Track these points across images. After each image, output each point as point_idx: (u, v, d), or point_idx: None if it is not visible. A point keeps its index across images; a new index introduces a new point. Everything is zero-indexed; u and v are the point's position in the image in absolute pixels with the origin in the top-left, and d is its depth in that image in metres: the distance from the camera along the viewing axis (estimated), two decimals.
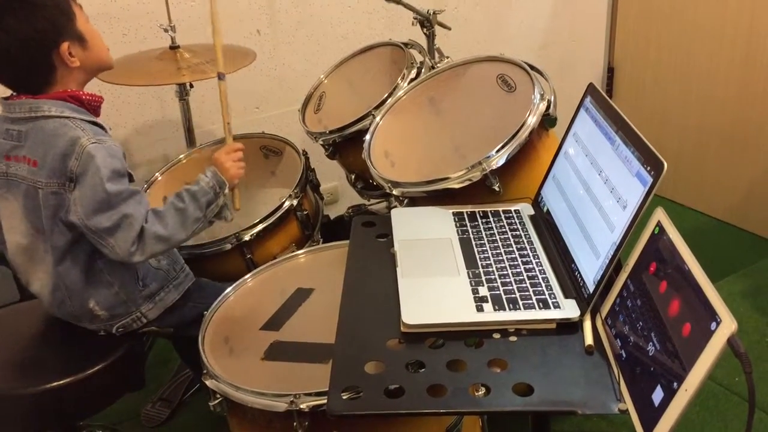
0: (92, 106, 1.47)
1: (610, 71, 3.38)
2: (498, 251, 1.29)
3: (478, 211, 1.42)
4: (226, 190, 1.51)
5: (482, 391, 0.98)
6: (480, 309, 1.12)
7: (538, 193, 1.42)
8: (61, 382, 1.44)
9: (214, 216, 1.50)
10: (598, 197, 1.17)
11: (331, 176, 2.73)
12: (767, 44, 2.64)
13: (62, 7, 1.38)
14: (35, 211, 1.44)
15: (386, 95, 1.80)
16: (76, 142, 1.37)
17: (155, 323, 1.59)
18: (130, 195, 1.40)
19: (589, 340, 1.06)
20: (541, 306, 1.12)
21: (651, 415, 0.86)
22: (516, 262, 1.25)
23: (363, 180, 1.99)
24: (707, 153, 3.00)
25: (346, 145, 1.89)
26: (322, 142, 1.93)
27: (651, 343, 0.92)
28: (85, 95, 1.45)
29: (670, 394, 0.84)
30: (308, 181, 1.89)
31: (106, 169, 1.37)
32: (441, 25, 2.14)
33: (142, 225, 1.39)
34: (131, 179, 1.47)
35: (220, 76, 1.64)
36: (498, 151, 1.43)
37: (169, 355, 2.26)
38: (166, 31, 2.04)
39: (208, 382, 1.27)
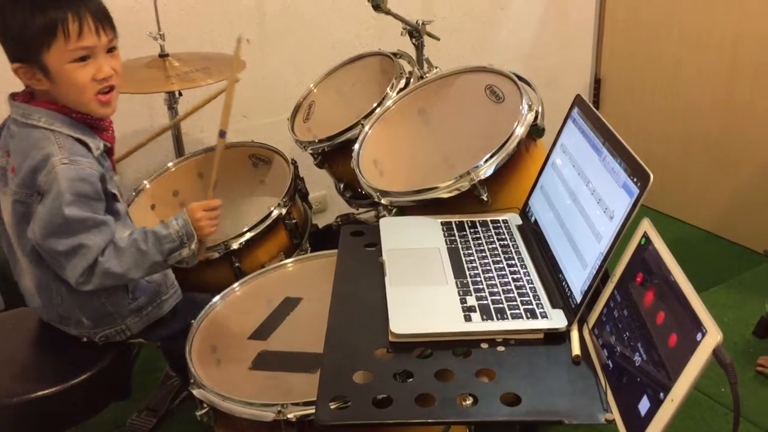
0: (87, 122, 1.43)
1: (597, 82, 3.41)
2: (486, 261, 1.29)
3: (467, 221, 1.43)
4: (193, 245, 1.45)
5: (470, 400, 0.99)
6: (468, 319, 1.13)
7: (526, 204, 1.43)
8: (47, 391, 1.42)
9: (175, 262, 1.46)
10: (585, 208, 1.18)
11: (320, 185, 2.73)
12: (753, 55, 2.67)
13: (27, 33, 1.31)
14: None
15: (375, 105, 1.81)
16: (48, 159, 1.34)
17: (141, 336, 1.58)
18: (94, 224, 1.36)
19: (576, 350, 1.06)
20: (529, 316, 1.13)
21: (637, 425, 0.87)
22: (504, 272, 1.25)
23: (352, 189, 1.99)
24: (693, 164, 3.02)
25: (335, 154, 1.89)
26: (311, 151, 1.93)
27: (638, 354, 0.93)
28: (76, 114, 1.40)
29: (656, 405, 0.84)
30: (297, 190, 1.89)
31: (70, 193, 1.33)
32: (430, 35, 2.15)
33: (97, 258, 1.36)
34: (116, 199, 1.45)
35: (222, 134, 1.63)
36: (486, 162, 1.44)
37: (155, 364, 2.24)
38: (155, 39, 2.04)
39: (195, 392, 1.26)
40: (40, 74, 1.36)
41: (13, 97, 1.43)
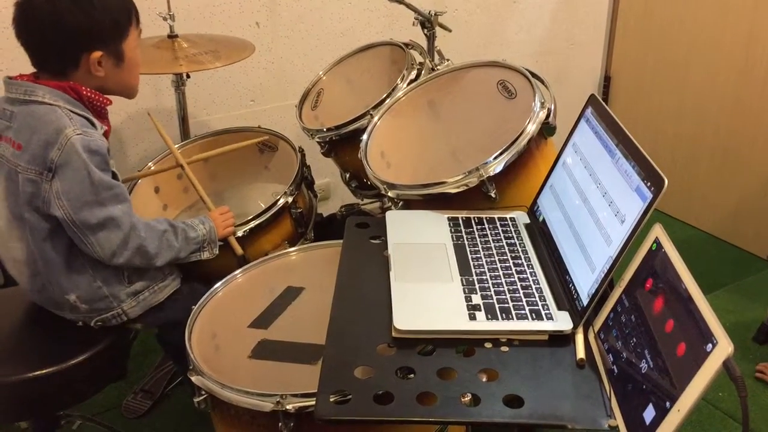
0: (93, 106, 1.44)
1: (607, 80, 3.38)
2: (492, 259, 1.28)
3: (474, 217, 1.42)
4: (215, 250, 1.60)
5: (468, 397, 0.98)
6: (472, 317, 1.11)
7: (535, 202, 1.42)
8: (45, 371, 1.42)
9: (187, 260, 1.58)
10: (595, 210, 1.16)
11: (324, 172, 2.72)
12: (764, 58, 2.65)
13: (119, 21, 1.41)
14: (14, 195, 1.41)
15: (385, 95, 1.79)
16: (61, 132, 1.34)
17: (138, 321, 1.57)
18: (120, 192, 1.41)
19: (581, 353, 1.05)
20: (534, 317, 1.12)
21: None
22: (510, 271, 1.24)
23: (357, 179, 1.98)
24: (699, 166, 3.01)
25: (343, 144, 1.87)
26: (318, 139, 1.92)
27: (644, 361, 0.92)
28: (87, 91, 1.41)
29: (661, 414, 0.84)
30: (303, 179, 1.87)
31: (90, 160, 1.35)
32: (442, 26, 2.12)
33: (131, 230, 1.42)
34: (116, 179, 1.44)
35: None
36: (496, 158, 1.42)
37: (151, 346, 2.23)
38: (165, 19, 2.01)
39: (193, 379, 1.25)
40: (110, 61, 1.41)
41: (10, 78, 1.42)
